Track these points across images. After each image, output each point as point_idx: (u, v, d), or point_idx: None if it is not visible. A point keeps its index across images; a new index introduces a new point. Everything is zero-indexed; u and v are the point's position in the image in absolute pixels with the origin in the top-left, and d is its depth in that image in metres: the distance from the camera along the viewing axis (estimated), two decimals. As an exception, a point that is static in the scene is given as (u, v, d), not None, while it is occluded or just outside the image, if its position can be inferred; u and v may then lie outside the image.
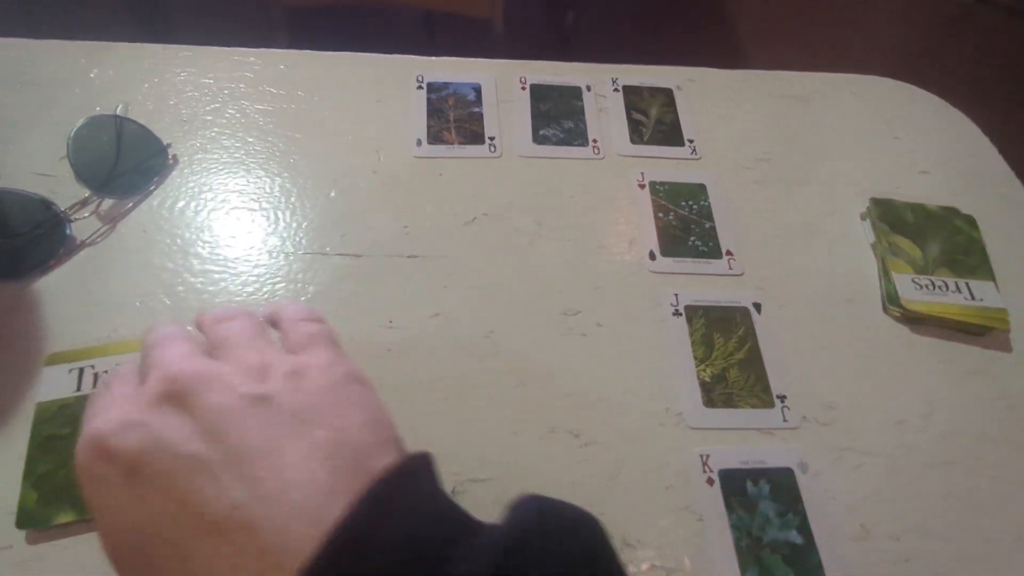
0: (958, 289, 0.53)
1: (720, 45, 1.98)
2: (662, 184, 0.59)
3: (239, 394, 0.25)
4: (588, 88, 0.65)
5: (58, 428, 0.41)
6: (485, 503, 0.41)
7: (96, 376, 0.42)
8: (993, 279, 0.54)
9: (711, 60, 0.70)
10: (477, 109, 0.62)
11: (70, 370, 0.43)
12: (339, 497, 0.22)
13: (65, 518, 0.38)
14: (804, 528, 0.42)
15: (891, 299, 0.52)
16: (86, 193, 0.51)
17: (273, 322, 0.32)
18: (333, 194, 0.55)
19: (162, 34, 1.73)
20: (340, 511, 0.22)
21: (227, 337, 0.28)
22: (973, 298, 0.52)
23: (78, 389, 0.42)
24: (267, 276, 0.50)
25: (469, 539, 0.23)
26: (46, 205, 0.49)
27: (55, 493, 0.38)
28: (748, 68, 0.69)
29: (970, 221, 0.58)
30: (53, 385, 0.42)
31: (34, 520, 0.38)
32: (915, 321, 0.52)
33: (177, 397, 0.25)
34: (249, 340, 0.28)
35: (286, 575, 0.21)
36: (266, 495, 0.22)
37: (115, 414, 0.25)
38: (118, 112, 0.54)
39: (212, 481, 0.23)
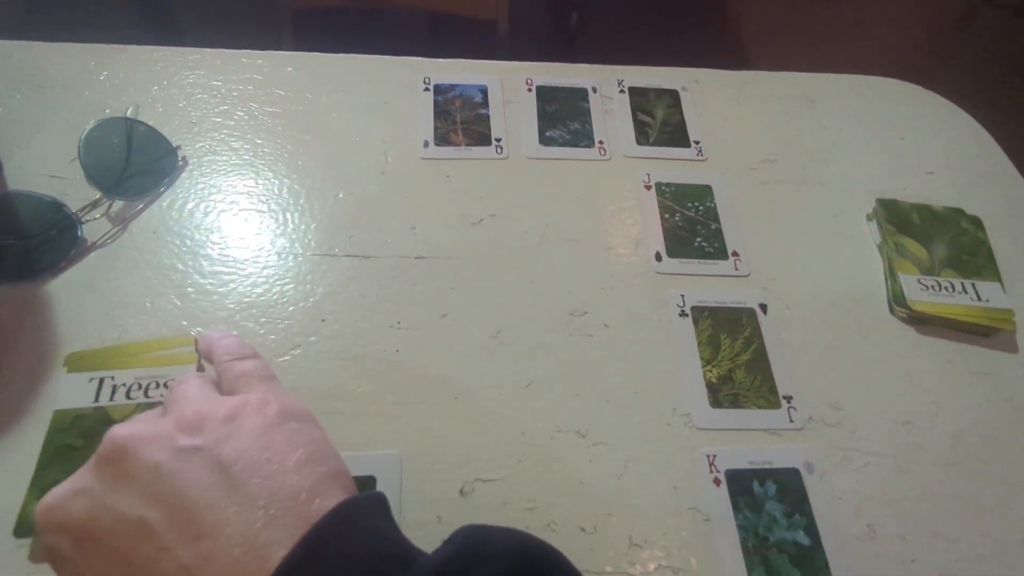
0: (964, 290, 0.53)
1: (723, 44, 1.98)
2: (668, 185, 0.59)
3: (175, 449, 0.25)
4: (594, 89, 0.65)
5: (73, 439, 0.41)
6: (494, 503, 0.42)
7: (114, 389, 0.42)
8: (999, 280, 0.54)
9: (714, 59, 0.71)
10: (484, 111, 0.62)
11: (90, 379, 0.43)
12: (278, 548, 0.23)
13: None
14: (811, 528, 0.42)
15: (897, 300, 0.52)
16: (97, 195, 0.51)
17: (207, 356, 0.33)
18: (341, 195, 0.55)
19: (169, 35, 1.73)
20: (278, 562, 0.22)
21: (175, 397, 0.29)
22: (979, 299, 0.52)
23: (96, 400, 0.42)
24: (276, 277, 0.50)
25: (403, 571, 0.24)
26: (58, 207, 0.50)
27: None
28: (751, 67, 0.69)
29: (976, 222, 0.58)
30: (72, 393, 0.42)
31: (32, 531, 0.37)
32: (921, 322, 0.52)
33: (117, 459, 0.25)
34: (195, 394, 0.29)
35: None
36: (209, 554, 0.23)
37: (65, 485, 0.26)
38: (128, 114, 0.55)
39: (156, 544, 0.23)
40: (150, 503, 0.24)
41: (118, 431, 0.26)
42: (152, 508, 0.24)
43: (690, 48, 1.91)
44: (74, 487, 0.26)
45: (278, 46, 1.23)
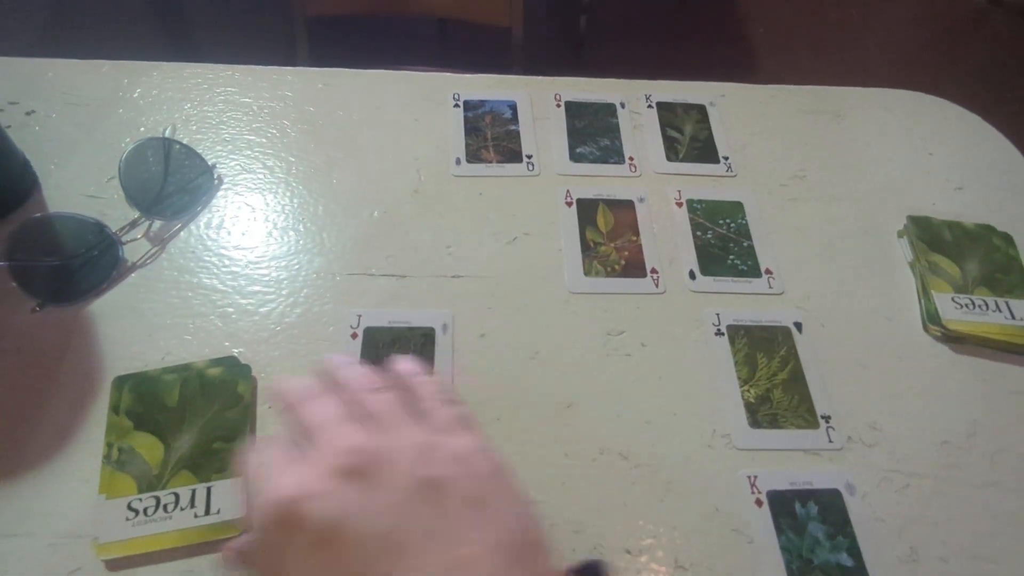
0: (998, 308, 0.53)
1: (732, 49, 1.98)
2: (700, 202, 0.59)
3: (418, 477, 0.25)
4: (622, 105, 0.66)
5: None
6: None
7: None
8: (1032, 298, 0.54)
9: (724, 64, 0.71)
10: (514, 127, 0.63)
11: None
12: None
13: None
14: (854, 550, 0.42)
15: (931, 318, 0.53)
16: (135, 214, 0.52)
17: (398, 386, 0.31)
18: (376, 214, 0.55)
19: (183, 41, 1.74)
20: None
21: (382, 411, 0.28)
22: (1013, 317, 0.53)
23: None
24: (315, 297, 0.50)
25: None
26: (99, 228, 0.50)
27: None
28: (761, 73, 0.70)
29: (1007, 239, 0.58)
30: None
31: None
32: (955, 340, 0.52)
33: (361, 473, 0.25)
34: (406, 417, 0.28)
35: None
36: None
37: (301, 481, 0.25)
38: (166, 134, 0.55)
39: (399, 561, 0.23)
40: (397, 521, 0.24)
41: (351, 440, 0.26)
42: (399, 527, 0.24)
43: (700, 53, 1.91)
44: (314, 487, 0.24)
45: (293, 55, 1.23)
